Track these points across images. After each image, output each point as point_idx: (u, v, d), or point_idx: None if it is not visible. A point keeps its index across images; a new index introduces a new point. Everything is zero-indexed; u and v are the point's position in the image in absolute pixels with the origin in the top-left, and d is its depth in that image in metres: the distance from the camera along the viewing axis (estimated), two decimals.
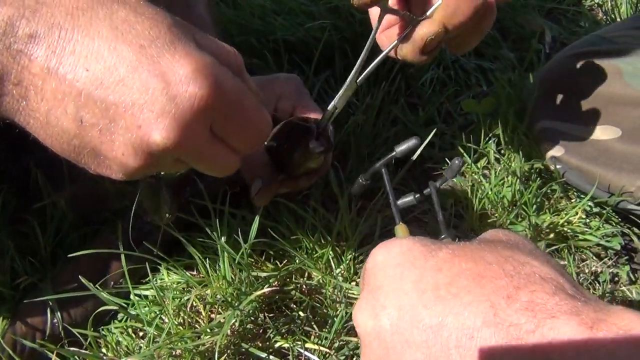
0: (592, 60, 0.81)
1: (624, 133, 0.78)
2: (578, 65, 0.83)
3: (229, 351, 0.68)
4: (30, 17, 0.37)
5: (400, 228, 0.53)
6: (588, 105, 0.80)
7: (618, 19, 1.21)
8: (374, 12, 0.57)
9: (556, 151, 0.83)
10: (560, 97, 0.84)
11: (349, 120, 0.90)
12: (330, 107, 0.60)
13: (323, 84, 0.97)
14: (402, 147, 0.58)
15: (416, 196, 0.59)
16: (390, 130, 0.93)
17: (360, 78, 0.58)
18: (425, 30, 0.53)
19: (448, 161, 0.91)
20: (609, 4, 1.25)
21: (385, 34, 0.58)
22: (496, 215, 0.84)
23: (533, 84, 0.90)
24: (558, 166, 0.84)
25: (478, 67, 1.09)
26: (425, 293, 0.35)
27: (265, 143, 0.69)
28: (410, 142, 0.57)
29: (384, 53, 0.58)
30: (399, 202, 0.58)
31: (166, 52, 0.38)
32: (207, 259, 0.72)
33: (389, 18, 0.57)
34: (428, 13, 0.54)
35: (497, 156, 0.90)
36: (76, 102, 0.37)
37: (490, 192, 0.84)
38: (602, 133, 0.79)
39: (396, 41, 0.56)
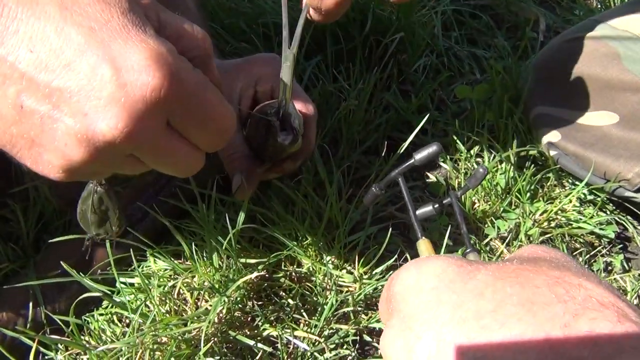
0: (589, 44, 0.80)
1: (621, 119, 0.77)
2: (575, 50, 0.81)
3: (215, 339, 0.66)
4: None
5: (424, 243, 0.48)
6: (585, 90, 0.79)
7: (612, 7, 1.20)
8: None
9: (552, 137, 0.82)
10: (556, 82, 0.83)
11: (340, 106, 0.88)
12: (280, 86, 0.58)
13: (314, 68, 0.95)
14: (421, 155, 0.53)
15: (435, 206, 0.54)
16: (382, 116, 0.92)
17: (293, 45, 0.57)
18: None
19: None
20: None
21: None
22: (489, 202, 0.82)
23: (529, 70, 0.89)
24: (554, 152, 0.82)
25: (472, 54, 1.07)
26: (467, 322, 0.31)
27: (244, 133, 0.67)
28: (431, 149, 0.52)
29: (303, 12, 0.56)
30: (418, 212, 0.53)
31: (118, 36, 0.35)
32: (195, 246, 0.70)
33: None
34: None
35: (491, 143, 0.89)
36: (17, 85, 0.34)
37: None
38: (599, 119, 0.78)
39: None
